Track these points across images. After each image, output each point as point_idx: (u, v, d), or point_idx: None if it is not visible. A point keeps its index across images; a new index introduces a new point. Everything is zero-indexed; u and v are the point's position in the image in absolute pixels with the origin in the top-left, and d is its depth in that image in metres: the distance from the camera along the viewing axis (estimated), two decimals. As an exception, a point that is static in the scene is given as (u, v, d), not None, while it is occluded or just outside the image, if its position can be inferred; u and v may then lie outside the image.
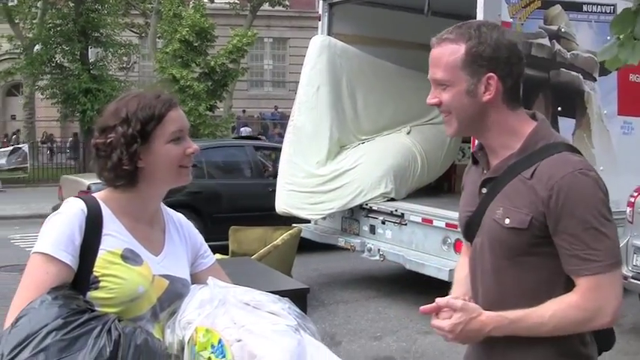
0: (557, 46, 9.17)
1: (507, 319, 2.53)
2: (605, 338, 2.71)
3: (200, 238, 2.88)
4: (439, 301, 2.59)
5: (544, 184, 2.48)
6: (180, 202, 13.22)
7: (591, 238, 2.46)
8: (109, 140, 2.51)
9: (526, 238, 2.53)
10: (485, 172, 2.72)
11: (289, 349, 2.33)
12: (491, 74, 2.54)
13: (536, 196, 2.50)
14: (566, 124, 9.22)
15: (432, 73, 2.62)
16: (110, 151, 2.51)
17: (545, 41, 9.06)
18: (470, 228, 2.76)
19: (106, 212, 2.52)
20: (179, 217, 2.85)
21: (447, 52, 2.57)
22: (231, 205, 13.45)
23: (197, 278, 2.73)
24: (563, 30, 9.23)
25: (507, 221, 2.55)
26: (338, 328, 9.10)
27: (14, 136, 36.22)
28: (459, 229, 2.98)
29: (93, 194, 2.59)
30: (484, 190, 2.68)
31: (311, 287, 6.52)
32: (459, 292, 2.82)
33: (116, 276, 2.44)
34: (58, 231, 2.42)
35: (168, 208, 2.82)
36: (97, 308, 2.37)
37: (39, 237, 2.45)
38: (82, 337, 2.18)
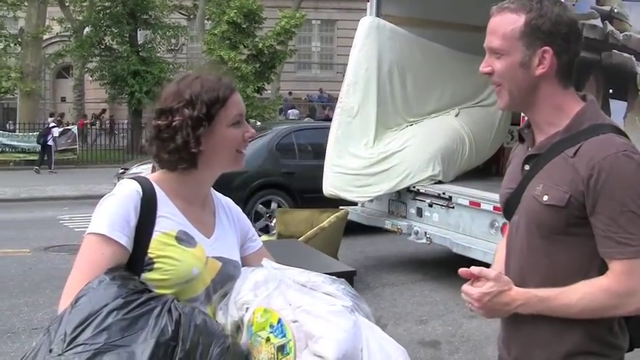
0: (610, 27, 8.99)
1: (536, 297, 2.49)
2: (638, 331, 2.65)
3: (248, 222, 2.87)
4: (473, 269, 2.55)
5: (586, 163, 2.44)
6: (275, 182, 13.44)
7: (628, 222, 2.42)
8: (174, 123, 2.48)
9: (563, 216, 2.49)
10: (529, 149, 2.68)
11: (346, 330, 2.31)
12: (547, 48, 2.50)
13: (577, 175, 2.46)
14: (618, 107, 9.05)
15: (488, 41, 2.60)
16: (174, 134, 2.48)
17: (598, 22, 8.89)
18: (509, 205, 2.73)
19: (160, 194, 2.51)
20: (227, 200, 2.83)
21: (507, 21, 2.54)
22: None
23: (245, 261, 2.71)
24: (615, 10, 9.04)
25: (546, 198, 2.51)
26: (384, 311, 9.06)
27: (58, 118, 36.68)
28: (507, 212, 2.95)
29: (146, 176, 2.58)
30: (527, 167, 2.65)
31: (357, 270, 6.49)
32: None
33: (171, 257, 2.43)
34: (114, 212, 2.41)
35: (217, 192, 2.80)
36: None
37: (93, 218, 2.43)
38: (142, 317, 2.16)
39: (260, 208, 13.40)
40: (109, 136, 35.74)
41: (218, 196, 2.79)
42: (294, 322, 2.32)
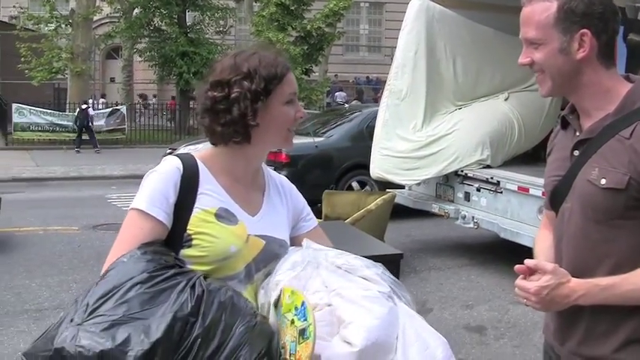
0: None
1: (599, 286, 2.44)
2: None
3: (303, 201, 2.85)
4: (528, 262, 2.50)
5: None
6: (364, 163, 13.31)
7: None
8: (232, 94, 2.48)
9: (623, 199, 2.43)
10: (577, 134, 2.63)
11: (379, 317, 2.26)
12: (584, 31, 2.46)
13: (635, 155, 2.40)
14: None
15: (523, 33, 2.56)
16: (230, 106, 2.48)
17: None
18: (558, 194, 2.67)
19: (204, 171, 2.51)
20: (282, 178, 2.82)
21: (539, 9, 2.50)
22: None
23: (298, 241, 2.67)
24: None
25: (604, 181, 2.46)
26: (429, 295, 9.04)
27: (102, 100, 36.94)
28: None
29: (192, 153, 2.58)
30: (576, 153, 2.60)
31: (403, 253, 6.45)
32: None
33: (209, 234, 2.43)
34: (153, 188, 2.43)
35: (271, 170, 2.80)
36: (189, 266, 2.37)
37: (137, 193, 2.46)
38: (165, 292, 2.18)
39: (355, 185, 13.51)
40: (158, 117, 35.97)
41: (272, 174, 2.78)
42: (329, 305, 2.30)
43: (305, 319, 2.23)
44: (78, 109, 27.75)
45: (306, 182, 12.56)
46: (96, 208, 14.92)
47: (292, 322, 2.27)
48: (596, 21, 2.47)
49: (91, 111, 28.25)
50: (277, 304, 2.36)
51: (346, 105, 20.93)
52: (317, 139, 13.80)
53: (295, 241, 2.69)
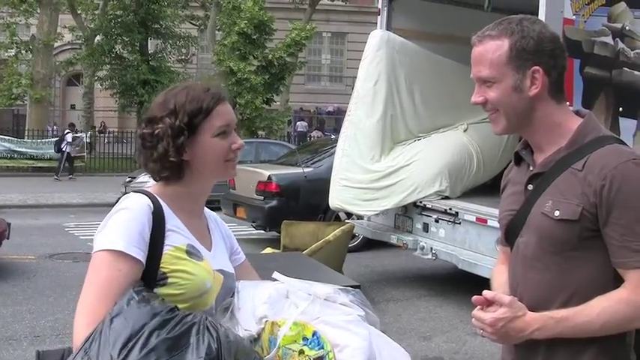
0: (621, 45, 8.94)
1: (553, 319, 2.44)
2: None
3: (232, 234, 2.85)
4: (486, 293, 2.50)
5: (596, 174, 2.41)
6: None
7: None
8: (156, 131, 2.47)
9: (577, 230, 2.45)
10: (531, 169, 2.65)
11: (366, 338, 2.34)
12: (536, 67, 2.49)
13: (588, 187, 2.42)
14: (628, 125, 9.00)
15: (475, 72, 2.57)
16: (156, 142, 2.47)
17: (609, 39, 8.84)
18: (513, 228, 2.68)
19: (165, 208, 2.49)
20: (213, 213, 2.81)
21: (491, 48, 2.53)
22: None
23: None
24: (627, 28, 8.99)
25: (557, 213, 2.47)
26: (387, 326, 8.99)
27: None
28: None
29: (147, 189, 2.55)
30: (530, 187, 2.61)
31: (362, 284, 6.45)
32: None
33: (185, 271, 2.41)
34: (128, 226, 2.37)
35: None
36: None
37: (104, 233, 2.38)
38: (184, 336, 2.13)
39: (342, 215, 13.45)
40: (117, 145, 35.80)
41: (205, 209, 2.77)
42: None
43: (321, 347, 2.28)
44: (60, 136, 27.69)
45: (295, 212, 12.74)
46: (53, 237, 14.79)
47: (301, 352, 2.29)
48: (547, 58, 2.50)
49: (68, 137, 28.12)
50: (270, 336, 2.35)
51: (332, 137, 21.04)
52: (306, 170, 14.00)
53: None
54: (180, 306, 2.32)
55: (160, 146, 2.46)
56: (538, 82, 2.49)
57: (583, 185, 2.44)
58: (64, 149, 27.69)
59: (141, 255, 2.34)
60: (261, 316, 2.38)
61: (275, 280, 2.54)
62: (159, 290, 2.36)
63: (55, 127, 37.49)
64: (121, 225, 2.37)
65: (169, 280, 2.38)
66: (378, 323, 2.49)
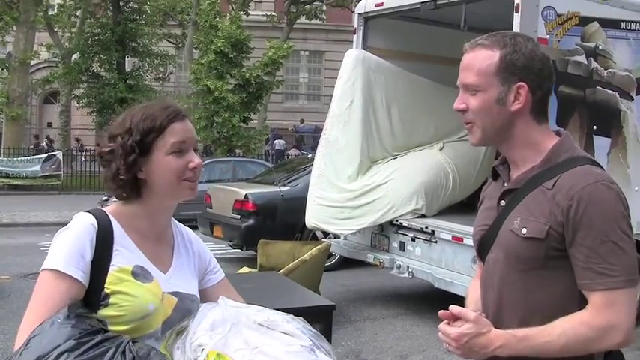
0: (594, 64, 9.03)
1: (515, 337, 2.45)
2: None
3: (209, 253, 2.84)
4: (453, 309, 2.52)
5: (564, 194, 2.43)
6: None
7: (608, 252, 2.39)
8: (109, 149, 2.50)
9: (543, 249, 2.47)
10: (505, 184, 2.67)
11: None
12: (522, 84, 2.52)
13: (556, 206, 2.44)
14: (602, 143, 9.08)
15: (462, 78, 2.60)
16: (110, 161, 2.49)
17: (582, 59, 8.93)
18: (484, 243, 2.71)
19: (117, 227, 2.48)
20: (188, 231, 2.80)
21: (481, 57, 2.56)
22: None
23: (206, 294, 2.70)
24: (600, 47, 9.09)
25: (524, 231, 2.49)
26: (364, 345, 9.00)
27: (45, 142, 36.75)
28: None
29: (103, 208, 2.55)
30: (502, 203, 2.64)
31: (338, 303, 6.43)
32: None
33: (126, 293, 2.39)
34: (69, 246, 2.37)
35: (178, 223, 2.78)
36: (108, 326, 2.32)
37: (49, 253, 2.40)
38: (95, 359, 2.12)
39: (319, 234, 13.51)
40: (95, 164, 35.66)
41: (179, 227, 2.76)
42: None
43: None
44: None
45: (272, 231, 12.78)
46: (29, 256, 14.62)
47: None
48: (534, 76, 2.53)
49: None
50: None
51: (309, 155, 21.07)
52: (283, 188, 14.02)
53: (204, 294, 2.68)
54: (122, 327, 2.34)
55: (113, 164, 2.48)
56: (522, 98, 2.53)
57: (551, 204, 2.46)
58: None
59: (79, 274, 2.33)
60: (199, 342, 2.35)
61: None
62: (101, 311, 2.35)
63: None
64: (62, 245, 2.39)
65: (110, 301, 2.37)
66: (332, 352, 2.45)
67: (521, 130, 2.57)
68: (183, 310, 2.53)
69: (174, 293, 2.53)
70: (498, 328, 2.50)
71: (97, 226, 2.42)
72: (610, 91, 9.21)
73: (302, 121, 44.23)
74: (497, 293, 2.63)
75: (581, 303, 2.45)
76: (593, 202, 2.39)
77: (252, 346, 2.31)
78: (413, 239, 10.29)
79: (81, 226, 2.42)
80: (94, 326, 2.23)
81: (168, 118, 2.51)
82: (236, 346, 2.31)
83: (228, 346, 2.31)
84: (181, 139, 2.52)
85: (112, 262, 2.41)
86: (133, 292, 2.40)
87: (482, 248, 2.72)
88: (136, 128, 2.48)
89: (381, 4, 10.87)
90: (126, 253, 2.45)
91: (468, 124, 2.62)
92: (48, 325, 2.18)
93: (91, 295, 2.36)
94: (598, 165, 2.56)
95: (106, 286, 2.37)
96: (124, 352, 2.16)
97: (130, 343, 2.22)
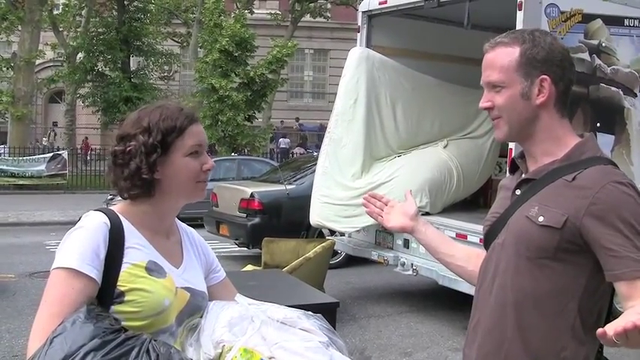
0: (598, 61, 9.03)
1: None
2: None
3: (212, 252, 2.86)
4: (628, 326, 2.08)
5: (587, 190, 2.45)
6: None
7: None
8: (128, 148, 2.48)
9: (557, 239, 2.47)
10: (523, 175, 2.70)
11: None
12: (544, 77, 2.56)
13: (578, 200, 2.45)
14: (605, 140, 9.07)
15: (485, 76, 2.64)
16: (129, 160, 2.48)
17: (585, 56, 8.92)
18: (494, 229, 2.73)
19: (127, 225, 2.49)
20: (191, 230, 2.82)
21: (502, 54, 2.60)
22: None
23: (209, 293, 2.69)
24: (603, 45, 9.08)
25: (541, 219, 2.51)
26: (368, 342, 9.01)
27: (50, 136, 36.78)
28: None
29: (111, 207, 2.56)
30: (518, 192, 2.67)
31: (343, 301, 6.44)
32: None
33: (142, 289, 2.40)
34: (83, 245, 2.37)
35: (181, 222, 2.79)
36: (122, 322, 2.33)
37: (61, 252, 2.39)
38: (121, 358, 2.14)
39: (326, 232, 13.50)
40: (100, 162, 35.71)
41: (182, 225, 2.78)
42: (271, 358, 2.32)
43: None
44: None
45: (278, 229, 12.80)
46: (34, 255, 14.68)
47: None
48: (555, 68, 2.57)
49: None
50: None
51: (314, 154, 21.09)
52: (289, 187, 14.07)
53: (208, 293, 2.68)
54: (138, 323, 2.35)
55: (132, 163, 2.47)
56: (545, 90, 2.56)
57: (573, 197, 2.47)
58: None
59: (94, 273, 2.34)
60: (219, 340, 2.38)
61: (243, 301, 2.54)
62: (116, 308, 2.36)
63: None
64: (76, 243, 2.38)
65: (126, 298, 2.37)
66: (344, 349, 2.49)
67: (546, 124, 2.60)
68: (195, 306, 2.55)
69: (187, 289, 2.55)
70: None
71: (109, 224, 2.43)
72: (614, 88, 9.20)
73: (297, 119, 44.32)
74: (501, 278, 2.63)
75: (581, 300, 2.48)
76: (617, 200, 2.41)
77: (272, 342, 2.36)
78: (417, 237, 10.25)
79: (94, 225, 2.42)
80: (114, 325, 2.24)
81: (187, 119, 2.54)
82: (254, 343, 2.35)
83: (252, 342, 2.35)
84: (198, 141, 2.56)
85: (125, 260, 2.41)
86: (149, 288, 2.41)
87: (491, 235, 2.75)
88: (157, 127, 2.49)
89: (385, 2, 10.87)
90: (139, 250, 2.47)
91: (494, 119, 2.65)
92: (69, 325, 2.18)
93: (104, 293, 2.36)
94: (618, 167, 2.59)
95: (119, 283, 2.38)
96: (147, 351, 2.17)
97: (153, 341, 2.23)
